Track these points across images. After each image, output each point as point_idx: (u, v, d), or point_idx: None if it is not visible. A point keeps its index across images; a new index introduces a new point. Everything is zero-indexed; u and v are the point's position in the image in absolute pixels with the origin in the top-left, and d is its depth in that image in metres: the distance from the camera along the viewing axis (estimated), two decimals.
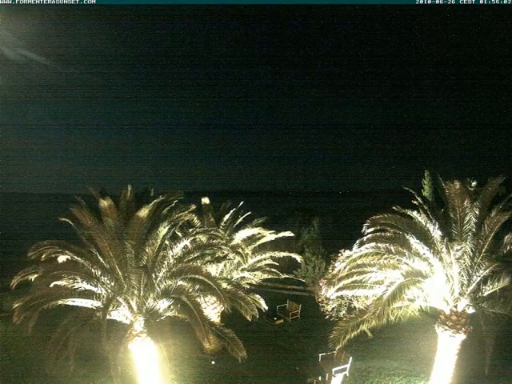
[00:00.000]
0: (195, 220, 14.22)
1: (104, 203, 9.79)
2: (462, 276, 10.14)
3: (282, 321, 18.39)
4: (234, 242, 15.00)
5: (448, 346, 10.83)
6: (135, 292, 9.89)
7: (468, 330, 10.50)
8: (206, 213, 15.29)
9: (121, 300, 9.65)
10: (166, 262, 10.41)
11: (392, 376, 13.21)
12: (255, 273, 15.53)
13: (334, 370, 12.72)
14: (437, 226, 10.34)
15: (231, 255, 13.08)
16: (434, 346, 11.52)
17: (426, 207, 10.85)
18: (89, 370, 13.37)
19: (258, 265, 15.89)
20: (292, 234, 17.04)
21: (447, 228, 10.49)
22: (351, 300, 15.24)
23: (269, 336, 16.81)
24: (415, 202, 11.16)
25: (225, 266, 14.91)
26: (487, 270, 9.73)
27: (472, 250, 10.17)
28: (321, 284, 16.11)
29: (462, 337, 10.53)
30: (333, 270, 15.23)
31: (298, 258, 16.92)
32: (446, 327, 10.57)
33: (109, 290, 9.81)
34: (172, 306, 9.91)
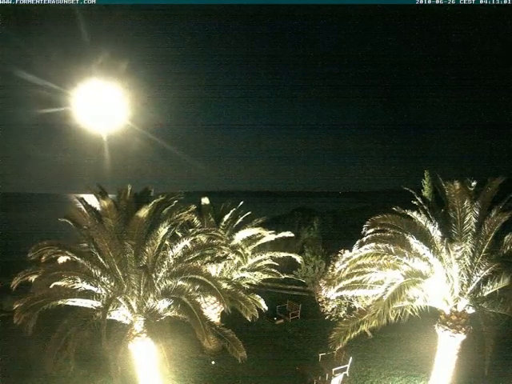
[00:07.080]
0: (195, 220, 14.22)
1: (104, 203, 9.78)
2: (462, 276, 10.14)
3: (282, 321, 18.38)
4: (233, 242, 14.99)
5: (448, 346, 10.82)
6: (135, 292, 9.89)
7: (468, 330, 10.50)
8: (206, 213, 15.29)
9: (121, 300, 9.66)
10: (165, 262, 10.40)
11: (392, 376, 13.21)
12: (255, 273, 15.52)
13: (333, 369, 12.73)
14: (437, 226, 10.33)
15: (231, 255, 13.07)
16: (433, 345, 11.51)
17: (426, 207, 10.84)
18: (89, 370, 13.37)
19: (258, 265, 15.88)
20: (292, 235, 17.02)
21: (447, 228, 10.48)
22: (351, 300, 15.24)
23: (269, 336, 16.79)
24: (415, 202, 11.16)
25: (225, 266, 14.90)
26: (487, 270, 9.71)
27: (472, 250, 10.16)
28: (321, 284, 16.11)
29: (461, 337, 10.53)
30: (333, 270, 15.25)
31: (298, 258, 16.92)
32: (446, 327, 10.57)
33: (109, 290, 9.81)
34: (172, 306, 9.90)
